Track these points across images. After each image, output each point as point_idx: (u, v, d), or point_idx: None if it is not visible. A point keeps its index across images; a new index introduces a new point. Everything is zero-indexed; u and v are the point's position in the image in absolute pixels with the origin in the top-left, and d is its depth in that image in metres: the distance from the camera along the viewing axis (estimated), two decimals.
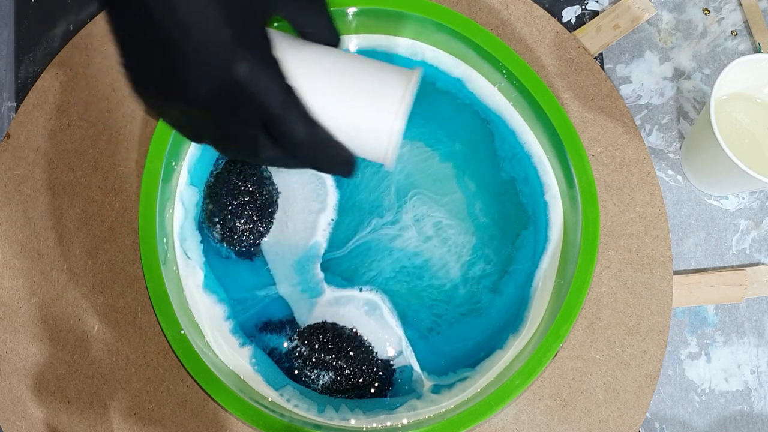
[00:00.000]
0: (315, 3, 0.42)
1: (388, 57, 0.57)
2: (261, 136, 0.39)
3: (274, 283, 0.54)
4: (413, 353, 0.53)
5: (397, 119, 0.39)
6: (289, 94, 0.38)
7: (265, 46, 0.38)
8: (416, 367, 0.53)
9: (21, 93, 0.58)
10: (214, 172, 0.55)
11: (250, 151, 0.40)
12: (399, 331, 0.53)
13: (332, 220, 0.55)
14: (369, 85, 0.39)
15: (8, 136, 0.57)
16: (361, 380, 0.53)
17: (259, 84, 0.37)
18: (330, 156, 0.40)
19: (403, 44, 0.57)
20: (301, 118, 0.38)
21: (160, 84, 0.37)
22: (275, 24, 0.41)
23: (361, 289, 0.54)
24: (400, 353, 0.53)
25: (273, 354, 0.53)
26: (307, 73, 0.39)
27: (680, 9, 0.60)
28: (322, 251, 0.54)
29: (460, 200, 0.55)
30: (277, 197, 0.55)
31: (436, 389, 0.52)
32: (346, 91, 0.40)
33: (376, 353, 0.53)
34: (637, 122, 0.58)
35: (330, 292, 0.54)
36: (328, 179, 0.55)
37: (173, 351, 0.51)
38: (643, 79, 0.59)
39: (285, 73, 0.38)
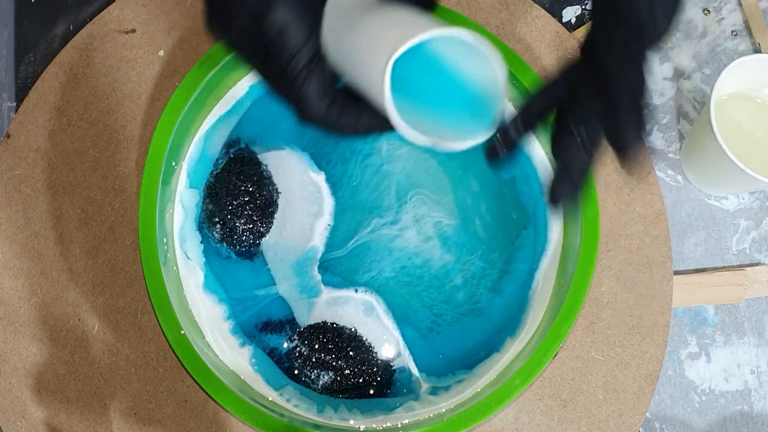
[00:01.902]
0: None
1: None
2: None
3: (274, 283, 0.54)
4: (410, 355, 0.53)
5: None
6: (316, 61, 0.37)
7: (313, 7, 0.38)
8: (414, 369, 0.53)
9: (21, 93, 0.58)
10: (214, 172, 0.55)
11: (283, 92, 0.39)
12: (396, 332, 0.53)
13: (329, 225, 0.55)
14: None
15: (8, 136, 0.57)
16: (361, 380, 0.53)
17: (287, 34, 0.37)
18: (339, 128, 0.39)
19: None
20: (320, 92, 0.37)
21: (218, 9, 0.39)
22: None
23: (357, 290, 0.54)
24: (399, 355, 0.53)
25: (273, 354, 0.53)
26: (361, 61, 0.37)
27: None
28: (320, 254, 0.54)
29: (461, 200, 0.55)
30: (277, 197, 0.55)
31: (434, 391, 0.52)
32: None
33: (376, 353, 0.53)
34: None
35: (327, 293, 0.54)
36: (324, 186, 0.55)
37: (173, 351, 0.51)
38: None
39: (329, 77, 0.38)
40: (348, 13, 0.39)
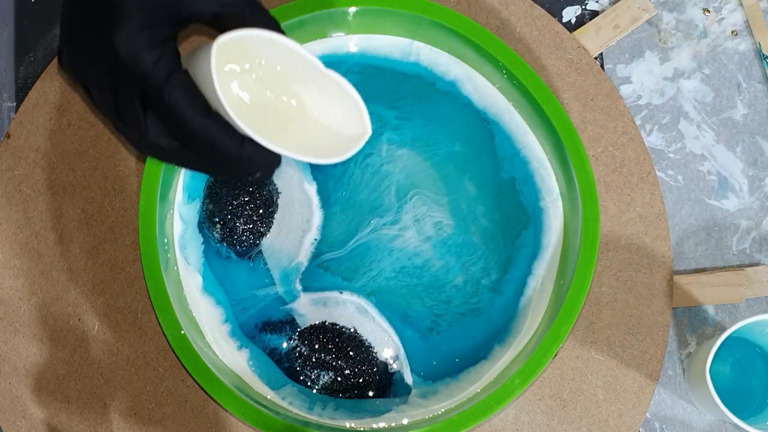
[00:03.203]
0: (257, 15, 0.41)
1: (386, 58, 0.57)
2: (151, 121, 0.38)
3: (274, 283, 0.54)
4: (406, 356, 0.53)
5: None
6: (176, 72, 0.37)
7: (165, 32, 0.38)
8: (407, 371, 0.53)
9: (21, 93, 0.58)
10: None
11: (136, 131, 0.39)
12: (393, 334, 0.53)
13: (315, 239, 0.55)
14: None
15: (8, 136, 0.57)
16: (361, 380, 0.53)
17: (138, 54, 0.36)
18: (230, 143, 0.38)
19: (401, 44, 0.57)
20: (189, 99, 0.37)
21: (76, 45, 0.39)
22: None
23: (341, 292, 0.54)
24: (398, 356, 0.53)
25: (273, 354, 0.53)
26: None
27: (680, 9, 0.60)
28: (303, 268, 0.54)
29: (460, 200, 0.55)
30: (277, 197, 0.55)
31: (424, 394, 0.53)
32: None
33: (376, 353, 0.53)
34: (637, 122, 0.58)
35: (305, 297, 0.54)
36: (315, 199, 0.55)
37: (173, 351, 0.51)
38: (643, 79, 0.59)
39: (176, 56, 0.38)
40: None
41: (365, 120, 0.42)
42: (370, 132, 0.42)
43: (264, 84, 0.42)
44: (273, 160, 0.40)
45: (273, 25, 0.41)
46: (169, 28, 0.38)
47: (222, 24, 0.40)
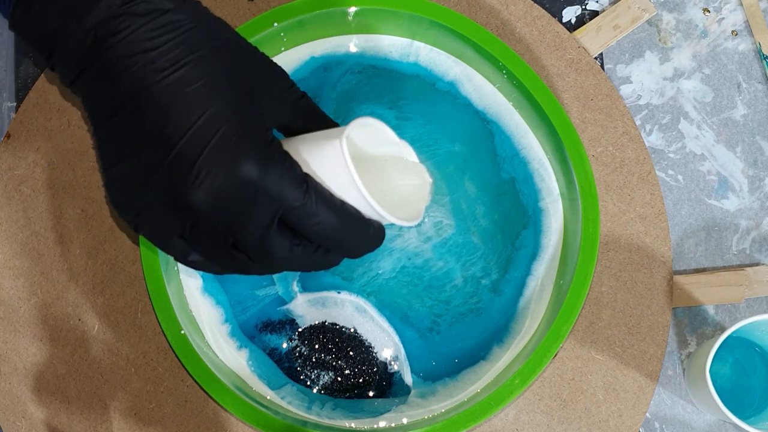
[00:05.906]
0: (321, 118, 0.43)
1: (386, 58, 0.57)
2: (276, 237, 0.37)
3: (274, 283, 0.54)
4: (406, 356, 0.53)
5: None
6: (305, 182, 0.37)
7: (273, 142, 0.37)
8: (407, 371, 0.53)
9: (21, 93, 0.58)
10: None
11: (263, 255, 0.38)
12: (393, 333, 0.53)
13: None
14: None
15: (8, 136, 0.57)
16: (360, 380, 0.53)
17: (271, 179, 0.35)
18: (363, 231, 0.39)
19: (401, 44, 0.57)
20: (326, 202, 0.37)
21: (149, 190, 0.36)
22: None
23: (339, 292, 0.54)
24: (397, 356, 0.53)
25: (273, 354, 0.53)
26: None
27: (680, 9, 0.60)
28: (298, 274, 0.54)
29: (460, 200, 0.55)
30: None
31: (423, 395, 0.53)
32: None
33: (376, 353, 0.53)
34: (637, 122, 0.58)
35: (302, 298, 0.54)
36: None
37: (173, 351, 0.51)
38: (643, 79, 0.59)
39: (296, 163, 0.37)
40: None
41: (425, 173, 0.44)
42: (431, 180, 0.45)
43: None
44: (384, 234, 0.41)
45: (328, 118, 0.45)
46: (274, 138, 0.38)
47: (288, 125, 0.43)
